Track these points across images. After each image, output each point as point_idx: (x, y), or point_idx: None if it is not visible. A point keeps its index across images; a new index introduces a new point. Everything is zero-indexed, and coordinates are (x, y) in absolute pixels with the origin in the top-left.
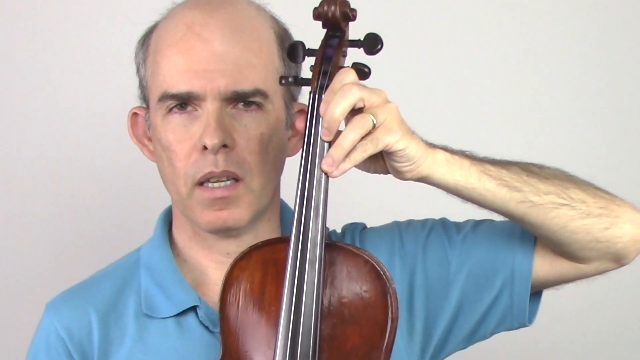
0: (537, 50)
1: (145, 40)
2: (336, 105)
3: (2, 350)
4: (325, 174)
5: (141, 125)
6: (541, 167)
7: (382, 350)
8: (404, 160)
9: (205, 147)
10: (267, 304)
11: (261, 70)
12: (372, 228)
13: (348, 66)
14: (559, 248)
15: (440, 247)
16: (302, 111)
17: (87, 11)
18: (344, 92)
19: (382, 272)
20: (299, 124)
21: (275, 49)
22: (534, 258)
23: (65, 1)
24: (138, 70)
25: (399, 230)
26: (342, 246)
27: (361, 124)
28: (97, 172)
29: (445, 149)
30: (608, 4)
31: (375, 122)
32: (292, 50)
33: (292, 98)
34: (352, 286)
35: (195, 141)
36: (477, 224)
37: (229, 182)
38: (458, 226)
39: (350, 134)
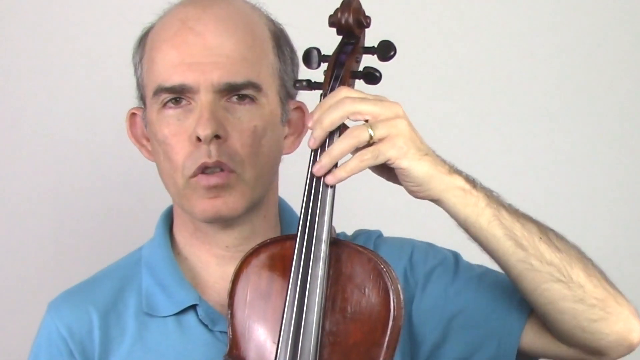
0: (555, 58)
1: (142, 40)
2: (325, 116)
3: (4, 350)
4: (316, 177)
5: (139, 125)
6: (558, 238)
7: (383, 347)
8: (409, 180)
9: (198, 139)
10: (274, 299)
11: (255, 63)
12: (386, 239)
13: (360, 70)
14: (544, 321)
15: (444, 281)
16: (300, 109)
17: (85, 13)
18: (336, 105)
19: (385, 270)
20: (308, 120)
21: (270, 46)
22: (526, 322)
23: (63, 3)
24: (135, 71)
25: (412, 250)
26: (347, 244)
27: (354, 134)
28: (98, 172)
29: (471, 178)
30: (608, 4)
31: (372, 134)
32: (308, 56)
33: (288, 95)
34: (355, 283)
35: (190, 133)
36: (486, 272)
37: (222, 172)
38: (468, 266)
39: (340, 143)
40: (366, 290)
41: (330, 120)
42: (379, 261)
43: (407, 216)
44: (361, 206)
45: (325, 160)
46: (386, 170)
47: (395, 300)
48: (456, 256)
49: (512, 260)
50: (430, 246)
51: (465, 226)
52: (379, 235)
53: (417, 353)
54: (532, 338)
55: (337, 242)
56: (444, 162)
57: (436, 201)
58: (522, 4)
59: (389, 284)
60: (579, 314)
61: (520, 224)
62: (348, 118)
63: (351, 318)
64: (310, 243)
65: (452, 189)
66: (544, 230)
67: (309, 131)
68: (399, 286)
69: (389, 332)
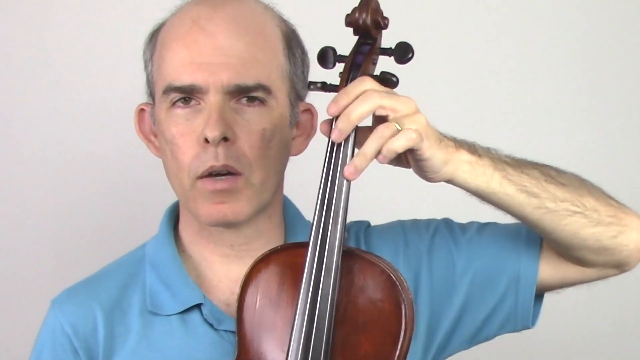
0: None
1: (153, 36)
2: (354, 109)
3: (6, 348)
4: (347, 180)
5: (147, 121)
6: (558, 172)
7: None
8: (428, 169)
9: (206, 140)
10: (284, 307)
11: (265, 65)
12: (375, 227)
13: (376, 75)
14: (568, 252)
15: (446, 249)
16: (309, 111)
17: (94, 9)
18: (364, 97)
19: (397, 283)
20: (323, 127)
21: (281, 47)
22: (539, 261)
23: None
24: (145, 67)
25: (404, 230)
26: (360, 254)
27: (384, 134)
28: (101, 169)
29: (472, 146)
30: (608, 4)
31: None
32: (323, 56)
33: (297, 97)
34: (367, 295)
35: (198, 134)
36: (482, 227)
37: (229, 177)
38: (463, 227)
39: (372, 144)
40: (378, 302)
41: (358, 114)
42: (391, 273)
43: (406, 213)
44: (361, 205)
45: (361, 163)
46: (395, 160)
47: (407, 313)
48: (447, 221)
49: (528, 209)
50: (418, 221)
51: (477, 194)
52: (367, 225)
53: (435, 331)
54: (550, 272)
55: (349, 252)
56: (447, 139)
57: (448, 181)
58: (541, 6)
59: (401, 296)
60: (600, 235)
61: (526, 174)
62: (376, 113)
63: (362, 329)
64: (322, 254)
65: (460, 165)
66: (545, 171)
67: (318, 131)
68: (410, 297)
69: (399, 345)
